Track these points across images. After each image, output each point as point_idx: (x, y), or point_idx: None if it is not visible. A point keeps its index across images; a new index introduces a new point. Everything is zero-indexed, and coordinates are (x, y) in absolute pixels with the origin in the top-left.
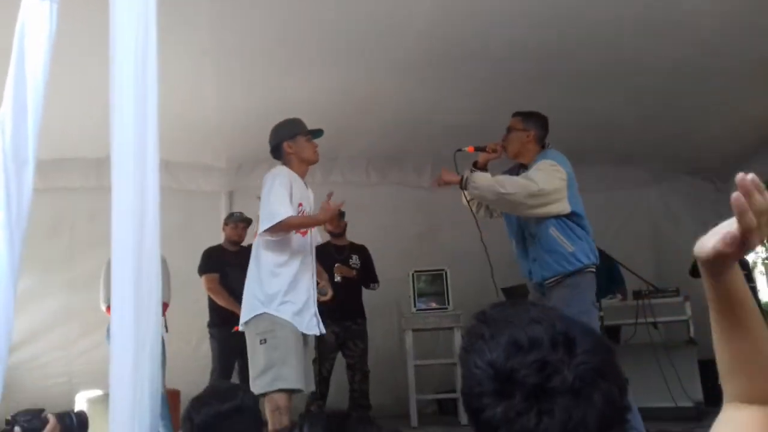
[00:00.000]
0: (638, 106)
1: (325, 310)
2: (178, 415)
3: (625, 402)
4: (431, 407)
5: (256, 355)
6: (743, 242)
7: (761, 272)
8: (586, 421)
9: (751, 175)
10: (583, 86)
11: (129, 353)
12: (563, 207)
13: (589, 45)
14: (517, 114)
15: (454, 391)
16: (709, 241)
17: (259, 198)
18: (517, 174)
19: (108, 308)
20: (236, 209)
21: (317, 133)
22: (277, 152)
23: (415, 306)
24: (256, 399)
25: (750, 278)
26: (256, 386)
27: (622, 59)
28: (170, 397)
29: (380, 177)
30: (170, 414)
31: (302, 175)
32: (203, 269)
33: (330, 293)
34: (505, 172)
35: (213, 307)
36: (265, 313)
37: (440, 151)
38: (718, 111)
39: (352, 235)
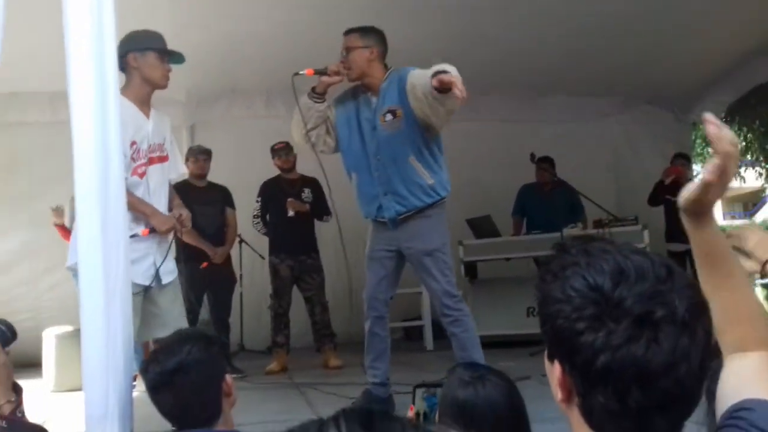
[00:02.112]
0: (599, 37)
1: (280, 244)
2: None
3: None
4: (398, 334)
5: None
6: (724, 170)
7: None
8: (690, 354)
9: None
10: (543, 16)
11: (99, 297)
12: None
13: None
14: (351, 31)
15: (419, 318)
16: (693, 183)
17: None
18: (359, 100)
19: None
20: (198, 143)
21: (176, 57)
22: (122, 64)
23: None
24: (213, 346)
25: None
26: None
27: None
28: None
29: None
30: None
31: (144, 99)
32: None
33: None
34: (340, 100)
35: (178, 242)
36: None
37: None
38: (677, 42)
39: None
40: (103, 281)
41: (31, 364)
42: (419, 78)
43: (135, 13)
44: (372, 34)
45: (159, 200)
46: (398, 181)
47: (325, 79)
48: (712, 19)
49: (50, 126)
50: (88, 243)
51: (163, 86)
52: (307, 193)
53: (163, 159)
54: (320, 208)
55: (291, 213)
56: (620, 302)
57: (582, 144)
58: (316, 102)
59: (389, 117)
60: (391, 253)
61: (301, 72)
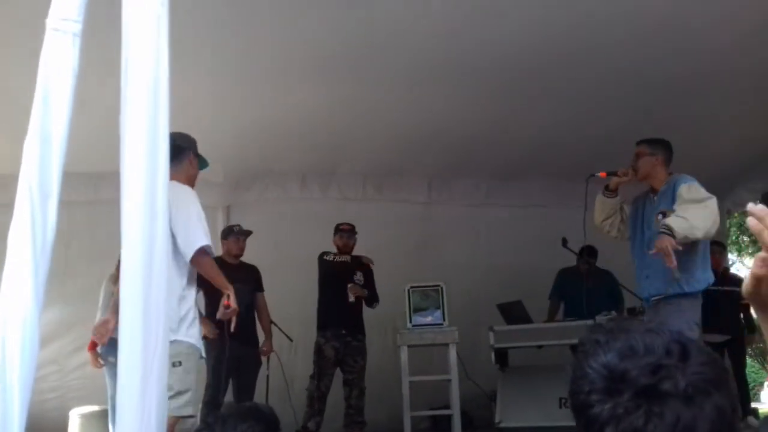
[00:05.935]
0: (642, 124)
1: (327, 324)
2: None
3: (737, 424)
4: (425, 423)
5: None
6: None
7: None
8: (696, 428)
9: (760, 206)
10: (581, 100)
11: (136, 379)
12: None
13: (595, 55)
14: (641, 142)
15: (448, 407)
16: (747, 277)
17: None
18: (646, 198)
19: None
20: (234, 223)
21: (203, 162)
22: (178, 157)
23: (410, 322)
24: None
25: None
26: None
27: (625, 70)
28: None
29: (377, 192)
30: None
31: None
32: None
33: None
34: (636, 198)
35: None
36: (176, 340)
37: (438, 166)
38: (710, 130)
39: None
40: (141, 365)
41: None
42: (684, 201)
43: (179, 99)
44: (659, 144)
45: None
46: (656, 268)
47: (615, 179)
48: (749, 106)
49: (90, 205)
50: (130, 319)
51: (192, 185)
52: (359, 276)
53: None
54: (370, 294)
55: (352, 299)
56: (624, 375)
57: None
58: (608, 198)
59: (660, 216)
60: None
61: (596, 174)
